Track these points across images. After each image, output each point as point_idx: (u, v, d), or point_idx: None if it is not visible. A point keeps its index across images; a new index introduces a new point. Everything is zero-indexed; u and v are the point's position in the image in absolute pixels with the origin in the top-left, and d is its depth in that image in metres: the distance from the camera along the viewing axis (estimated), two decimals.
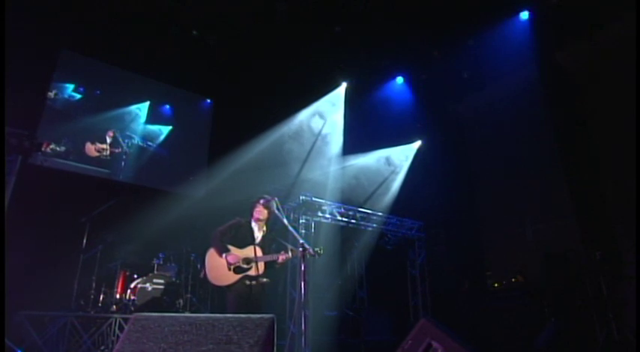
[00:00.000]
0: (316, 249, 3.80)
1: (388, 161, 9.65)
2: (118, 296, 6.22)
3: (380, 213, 8.51)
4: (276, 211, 4.07)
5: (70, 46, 7.76)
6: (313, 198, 7.25)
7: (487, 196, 9.73)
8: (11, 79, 6.60)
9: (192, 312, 6.14)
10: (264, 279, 4.44)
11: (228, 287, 4.26)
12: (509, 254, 8.92)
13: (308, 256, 3.65)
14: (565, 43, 8.67)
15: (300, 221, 7.06)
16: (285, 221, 3.95)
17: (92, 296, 6.05)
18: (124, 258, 6.39)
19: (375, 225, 8.29)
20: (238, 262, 4.31)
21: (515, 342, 7.34)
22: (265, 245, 4.52)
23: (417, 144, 10.15)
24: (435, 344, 3.35)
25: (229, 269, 4.28)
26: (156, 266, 6.49)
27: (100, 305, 6.07)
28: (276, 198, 4.14)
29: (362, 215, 8.08)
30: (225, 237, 4.44)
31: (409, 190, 9.38)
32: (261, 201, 4.50)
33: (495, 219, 9.46)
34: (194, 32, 8.27)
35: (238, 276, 4.29)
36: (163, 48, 8.30)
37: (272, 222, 4.60)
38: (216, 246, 4.39)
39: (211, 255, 4.41)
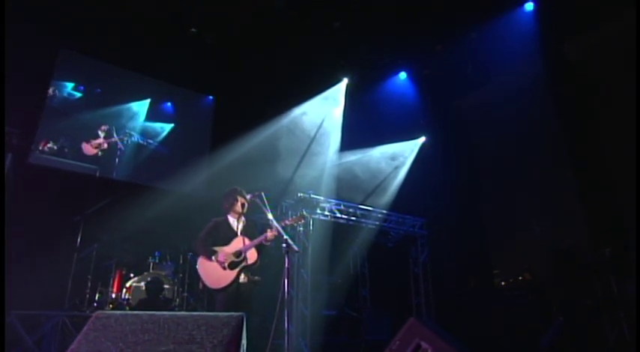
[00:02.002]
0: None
1: (390, 157, 9.48)
2: (114, 295, 6.16)
3: (384, 211, 8.35)
4: (262, 206, 3.95)
5: (69, 45, 7.74)
6: (312, 195, 7.13)
7: (493, 192, 9.52)
8: (10, 78, 6.63)
9: (188, 311, 6.06)
10: (256, 277, 4.35)
11: (225, 287, 4.14)
12: (516, 251, 8.70)
13: (292, 252, 3.53)
14: (572, 35, 8.42)
15: None
16: (270, 215, 3.84)
17: (88, 296, 6.00)
18: (119, 256, 6.32)
19: (376, 223, 8.12)
20: (230, 258, 4.21)
21: (522, 342, 7.15)
22: (249, 232, 4.42)
23: (421, 140, 9.98)
24: (424, 344, 3.19)
25: (224, 268, 4.18)
26: (151, 264, 6.43)
27: (95, 304, 6.01)
28: (262, 193, 4.02)
29: (362, 212, 7.92)
30: (208, 242, 4.34)
31: (412, 187, 9.19)
32: (236, 194, 4.41)
33: (501, 215, 9.25)
34: (193, 30, 8.22)
35: (236, 271, 4.19)
36: (164, 46, 8.25)
37: (248, 211, 4.50)
38: (203, 253, 4.30)
39: (202, 263, 4.30)
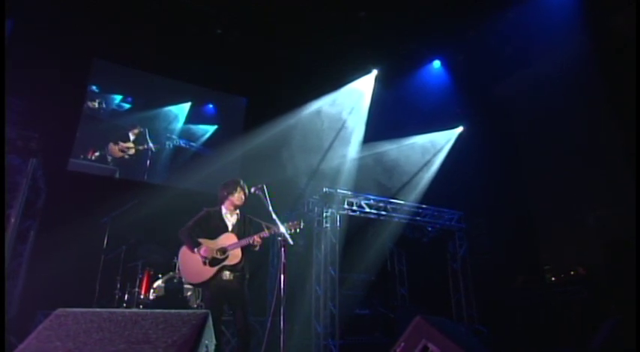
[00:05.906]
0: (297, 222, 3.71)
1: (425, 149, 9.05)
2: (142, 296, 6.21)
3: (423, 205, 7.94)
4: (263, 198, 3.75)
5: (108, 57, 8.02)
6: (338, 190, 6.87)
7: (539, 182, 8.85)
8: (50, 89, 6.90)
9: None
10: (247, 275, 4.13)
11: (205, 283, 3.95)
12: (567, 244, 8.06)
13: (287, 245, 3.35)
14: (622, 4, 7.65)
15: (325, 214, 6.70)
16: (270, 208, 3.65)
17: (117, 296, 6.08)
18: (146, 257, 6.37)
19: (409, 217, 7.71)
20: (212, 254, 3.98)
21: (574, 343, 6.59)
22: (242, 229, 4.17)
23: (459, 129, 9.49)
24: (431, 346, 2.88)
25: (205, 264, 3.95)
26: (177, 265, 6.41)
27: (124, 305, 6.08)
28: (264, 186, 3.82)
29: (394, 206, 7.54)
30: (195, 232, 4.11)
31: (448, 178, 8.73)
32: (238, 185, 4.20)
33: (550, 205, 8.58)
34: (218, 31, 8.24)
35: (215, 269, 3.95)
36: (197, 49, 8.32)
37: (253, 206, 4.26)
38: (187, 242, 4.08)
39: (184, 253, 4.11)
